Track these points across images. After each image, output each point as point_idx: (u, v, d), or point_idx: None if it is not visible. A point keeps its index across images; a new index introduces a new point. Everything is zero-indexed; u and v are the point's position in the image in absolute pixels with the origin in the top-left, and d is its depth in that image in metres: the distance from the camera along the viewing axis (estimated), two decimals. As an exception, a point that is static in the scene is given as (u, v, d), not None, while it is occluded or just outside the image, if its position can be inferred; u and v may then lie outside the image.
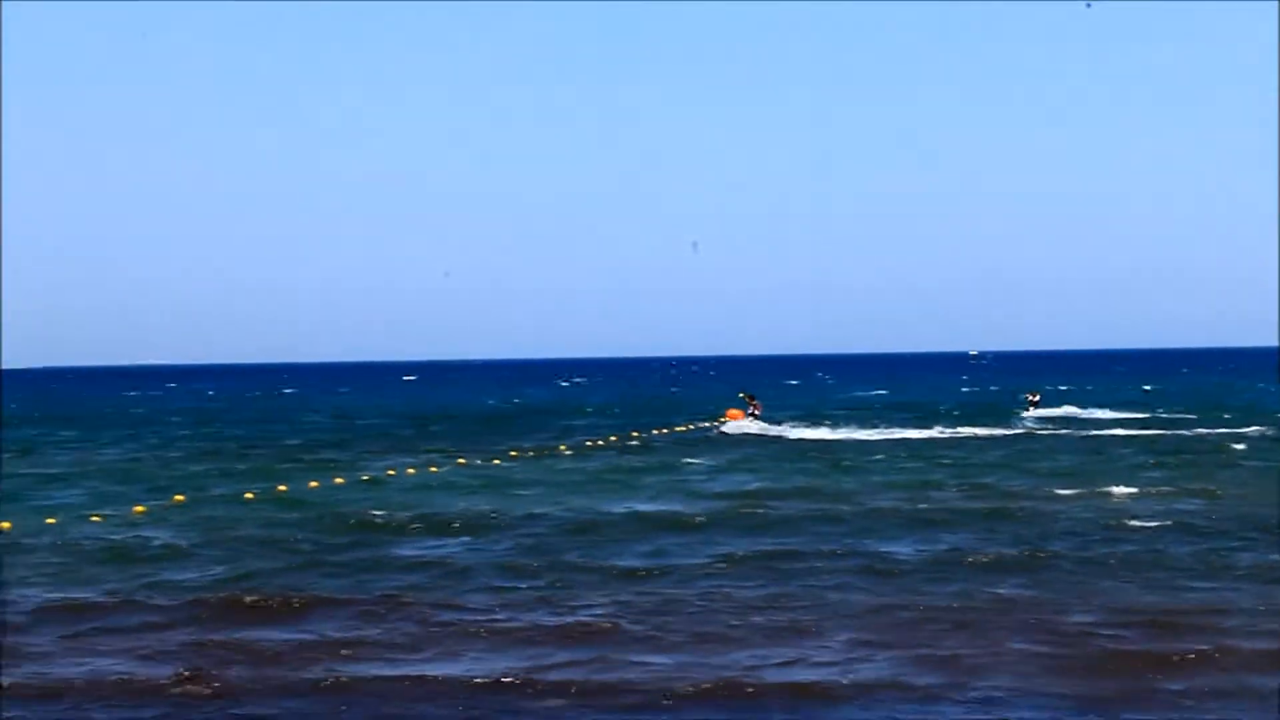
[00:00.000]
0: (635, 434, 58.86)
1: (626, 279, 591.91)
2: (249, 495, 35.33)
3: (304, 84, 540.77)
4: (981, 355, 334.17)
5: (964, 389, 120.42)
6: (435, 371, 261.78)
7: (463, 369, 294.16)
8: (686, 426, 63.70)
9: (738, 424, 62.17)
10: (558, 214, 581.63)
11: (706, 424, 63.64)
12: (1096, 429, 60.23)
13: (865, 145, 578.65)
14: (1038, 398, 78.75)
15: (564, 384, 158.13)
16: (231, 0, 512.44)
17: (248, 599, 20.98)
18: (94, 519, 30.93)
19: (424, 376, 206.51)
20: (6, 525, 29.45)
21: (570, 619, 19.33)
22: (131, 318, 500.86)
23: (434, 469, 43.00)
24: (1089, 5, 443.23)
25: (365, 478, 40.19)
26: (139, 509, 32.41)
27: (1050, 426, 62.26)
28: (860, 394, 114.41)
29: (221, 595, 21.28)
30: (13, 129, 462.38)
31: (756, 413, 63.97)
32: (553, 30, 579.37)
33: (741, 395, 67.89)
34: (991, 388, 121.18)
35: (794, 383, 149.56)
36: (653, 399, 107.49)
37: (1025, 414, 74.44)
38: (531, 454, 48.52)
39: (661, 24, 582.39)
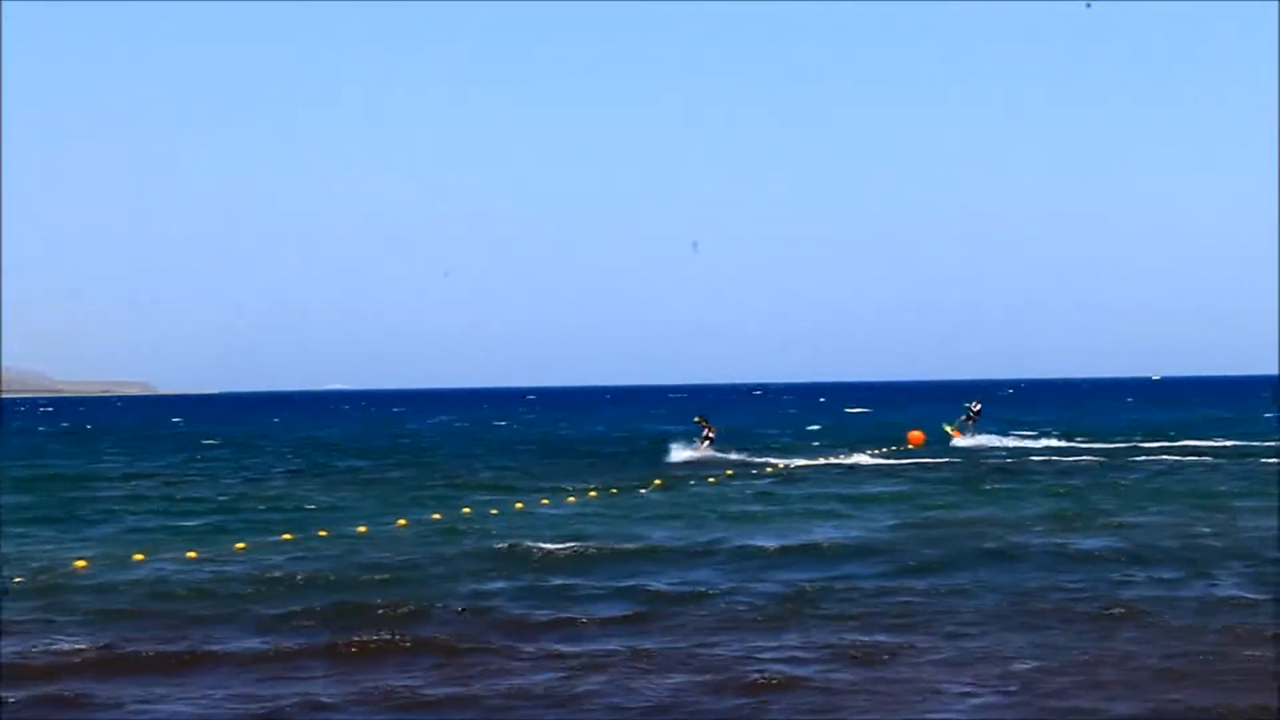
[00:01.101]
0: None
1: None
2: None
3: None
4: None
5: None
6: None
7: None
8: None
9: (682, 453, 58.82)
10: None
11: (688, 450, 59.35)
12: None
13: (864, 147, 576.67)
14: (978, 408, 72.43)
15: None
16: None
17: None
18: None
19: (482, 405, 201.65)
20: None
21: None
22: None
23: (592, 494, 41.96)
24: (1089, 5, 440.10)
25: (544, 501, 39.67)
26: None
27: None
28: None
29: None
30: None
31: (711, 436, 60.26)
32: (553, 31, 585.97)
33: (696, 420, 63.65)
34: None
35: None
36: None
37: (957, 432, 69.29)
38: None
39: (661, 24, 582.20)
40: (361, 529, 32.51)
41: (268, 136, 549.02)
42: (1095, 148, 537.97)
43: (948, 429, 70.60)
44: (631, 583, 24.26)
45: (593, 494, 41.95)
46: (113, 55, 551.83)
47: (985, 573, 24.87)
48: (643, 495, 41.82)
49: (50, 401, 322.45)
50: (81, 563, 27.09)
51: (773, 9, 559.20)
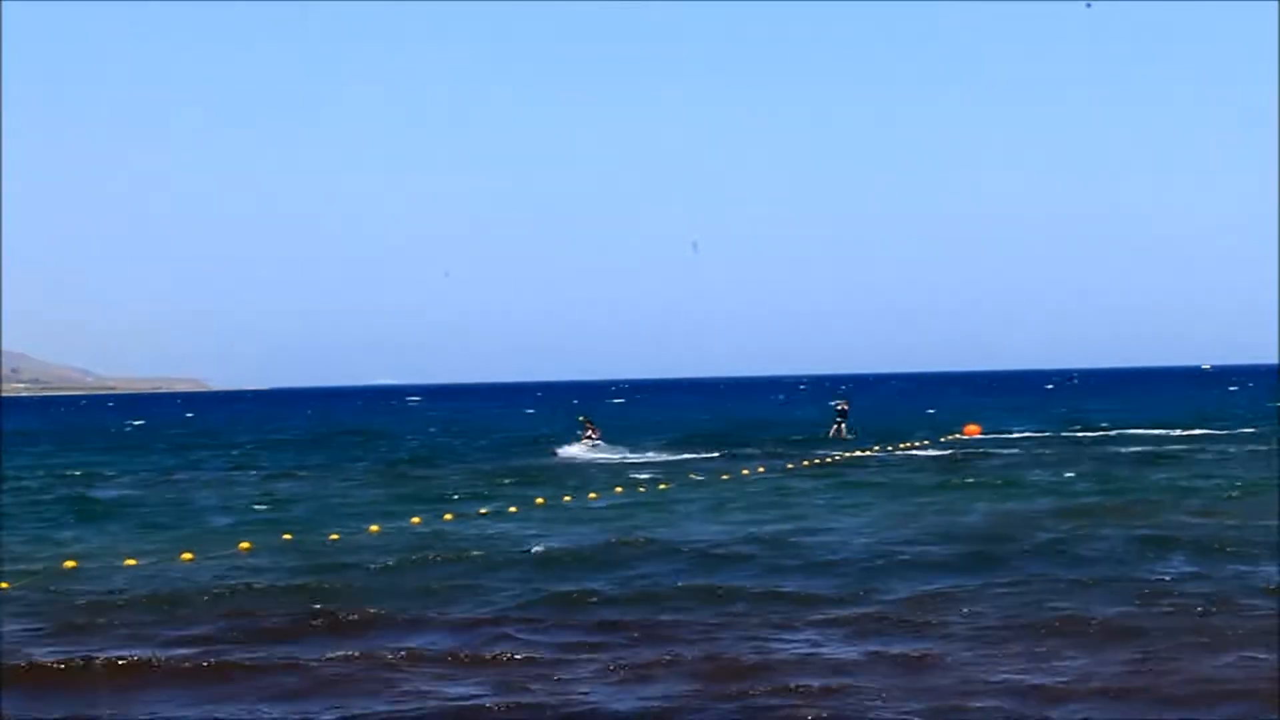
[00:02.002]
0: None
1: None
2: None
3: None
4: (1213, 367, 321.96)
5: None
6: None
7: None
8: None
9: (571, 451, 60.19)
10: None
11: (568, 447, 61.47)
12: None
13: (861, 148, 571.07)
14: (845, 406, 72.09)
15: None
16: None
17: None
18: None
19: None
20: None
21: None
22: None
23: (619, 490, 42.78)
24: (1089, 5, 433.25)
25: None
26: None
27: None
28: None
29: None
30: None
31: (594, 437, 62.08)
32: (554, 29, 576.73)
33: (581, 419, 66.06)
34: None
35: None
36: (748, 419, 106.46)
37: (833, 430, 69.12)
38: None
39: (662, 24, 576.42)
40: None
41: (305, 136, 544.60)
42: (1095, 148, 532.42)
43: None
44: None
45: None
46: (149, 55, 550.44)
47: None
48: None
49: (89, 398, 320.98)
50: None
51: (773, 9, 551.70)
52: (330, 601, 22.55)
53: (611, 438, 64.94)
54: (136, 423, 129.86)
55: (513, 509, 37.41)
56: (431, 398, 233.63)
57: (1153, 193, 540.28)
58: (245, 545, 29.94)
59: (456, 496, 42.51)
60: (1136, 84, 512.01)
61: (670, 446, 65.45)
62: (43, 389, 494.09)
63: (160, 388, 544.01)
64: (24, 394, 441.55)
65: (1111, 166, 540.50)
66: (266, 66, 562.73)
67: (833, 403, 74.85)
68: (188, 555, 28.38)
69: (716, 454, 59.99)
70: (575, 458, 58.68)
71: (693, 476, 47.82)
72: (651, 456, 59.25)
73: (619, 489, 43.28)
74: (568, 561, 27.26)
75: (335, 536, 31.59)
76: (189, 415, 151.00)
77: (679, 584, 24.02)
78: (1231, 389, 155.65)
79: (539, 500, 39.27)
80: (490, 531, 32.69)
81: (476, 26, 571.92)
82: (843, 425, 69.48)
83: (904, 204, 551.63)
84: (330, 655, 18.49)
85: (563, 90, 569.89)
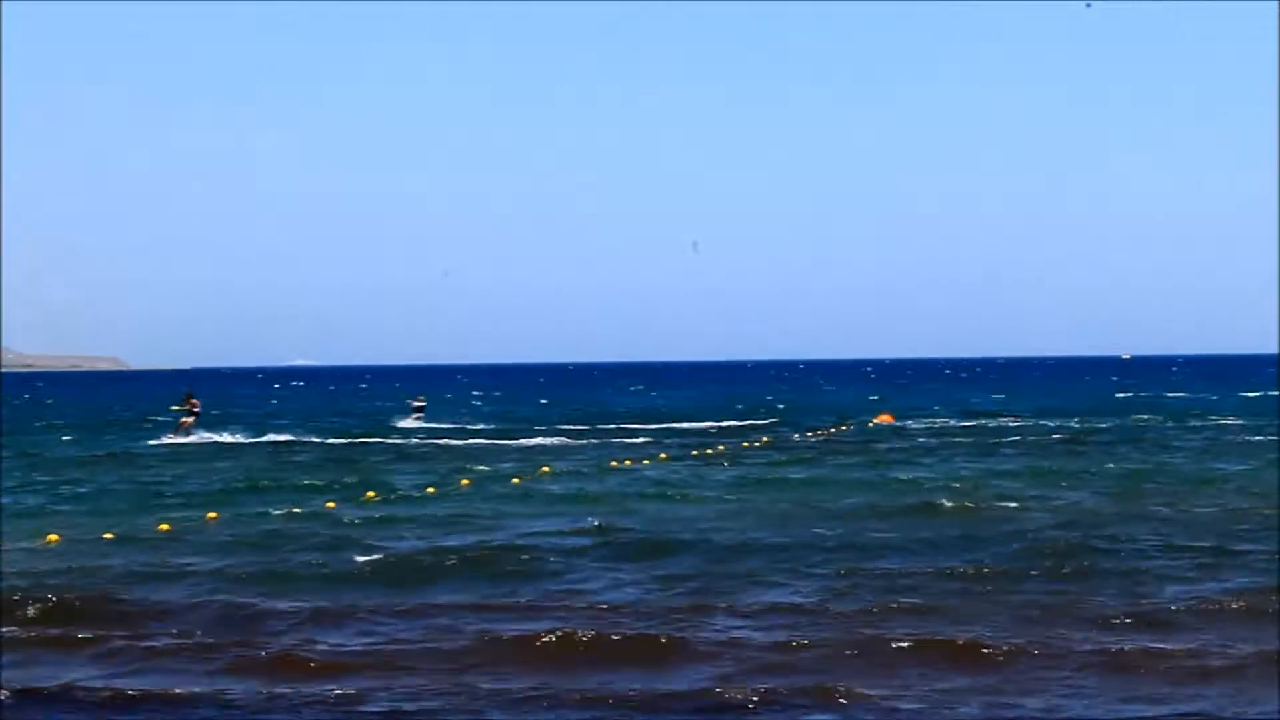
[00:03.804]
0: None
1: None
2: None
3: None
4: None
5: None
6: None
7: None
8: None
9: (173, 437, 61.31)
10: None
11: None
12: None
13: (863, 147, 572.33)
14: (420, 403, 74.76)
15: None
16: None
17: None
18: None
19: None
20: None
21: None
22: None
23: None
24: (1089, 5, 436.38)
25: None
26: None
27: None
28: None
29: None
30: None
31: (195, 410, 62.63)
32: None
33: (187, 397, 64.15)
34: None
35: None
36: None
37: None
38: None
39: (661, 24, 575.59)
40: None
41: (244, 115, 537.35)
42: (1096, 148, 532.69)
43: None
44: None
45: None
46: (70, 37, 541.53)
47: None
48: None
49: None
50: None
51: (773, 9, 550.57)
52: None
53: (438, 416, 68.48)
54: None
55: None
56: (336, 380, 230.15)
57: (1153, 192, 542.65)
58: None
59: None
60: (1136, 84, 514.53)
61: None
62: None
63: (80, 365, 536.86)
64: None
65: (1111, 166, 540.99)
66: (194, 43, 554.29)
67: (409, 400, 76.47)
68: None
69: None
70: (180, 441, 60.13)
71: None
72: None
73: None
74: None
75: None
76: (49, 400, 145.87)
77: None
78: (1113, 379, 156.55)
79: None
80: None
81: (477, 26, 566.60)
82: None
83: (903, 204, 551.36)
84: None
85: (563, 90, 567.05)
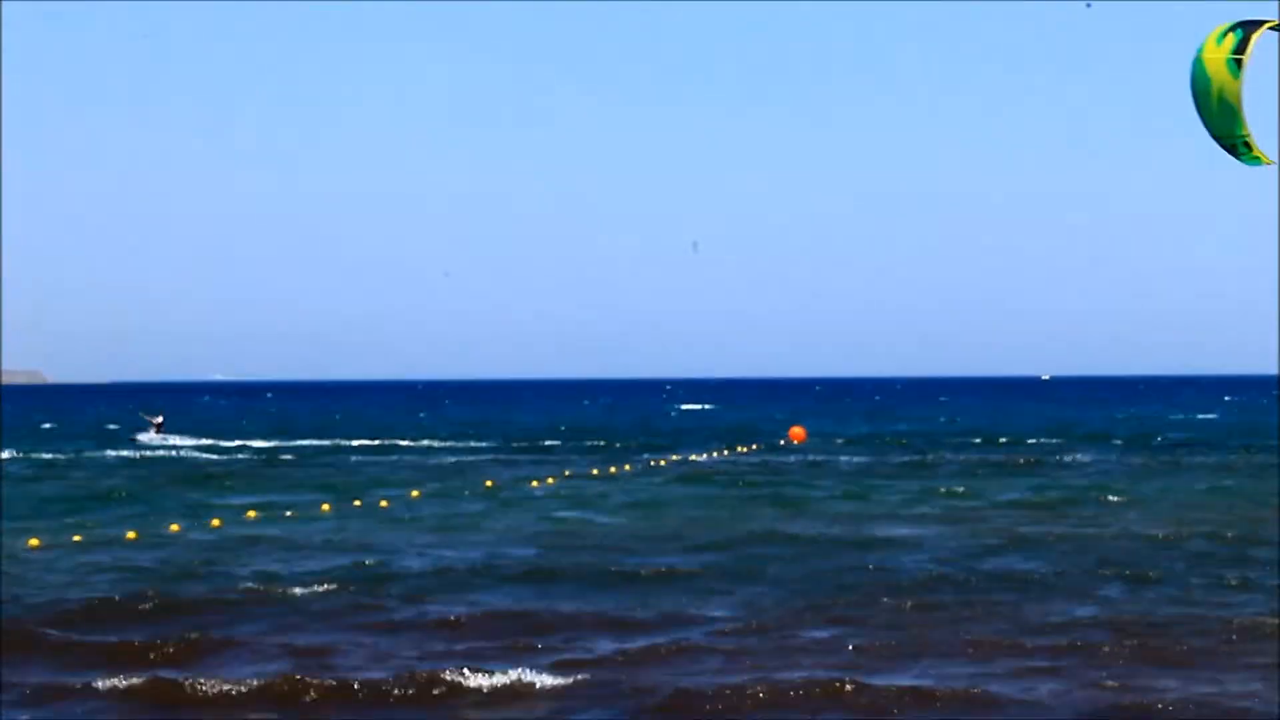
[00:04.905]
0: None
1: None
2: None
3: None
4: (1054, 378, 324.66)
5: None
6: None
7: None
8: None
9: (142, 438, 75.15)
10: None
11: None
12: None
13: (862, 148, 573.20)
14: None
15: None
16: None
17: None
18: None
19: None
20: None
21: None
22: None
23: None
24: (1089, 5, 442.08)
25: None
26: None
27: None
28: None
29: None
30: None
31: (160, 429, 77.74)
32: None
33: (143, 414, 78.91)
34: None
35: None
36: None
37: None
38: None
39: (661, 24, 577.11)
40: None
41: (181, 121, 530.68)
42: (1096, 148, 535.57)
43: None
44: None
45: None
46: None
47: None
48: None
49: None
50: None
51: (774, 9, 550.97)
52: None
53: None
54: None
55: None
56: (242, 395, 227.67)
57: (1154, 191, 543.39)
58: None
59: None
60: (1136, 84, 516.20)
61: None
62: None
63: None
64: None
65: (1112, 165, 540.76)
66: (114, 48, 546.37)
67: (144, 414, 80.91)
68: None
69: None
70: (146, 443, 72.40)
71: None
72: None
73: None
74: None
75: None
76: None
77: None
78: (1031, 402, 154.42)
79: None
80: None
81: (476, 27, 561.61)
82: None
83: (901, 205, 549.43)
84: None
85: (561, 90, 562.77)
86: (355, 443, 70.90)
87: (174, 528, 32.12)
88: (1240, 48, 15.79)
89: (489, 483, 45.48)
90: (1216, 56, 15.89)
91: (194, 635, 19.45)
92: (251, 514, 35.11)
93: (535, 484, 45.48)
